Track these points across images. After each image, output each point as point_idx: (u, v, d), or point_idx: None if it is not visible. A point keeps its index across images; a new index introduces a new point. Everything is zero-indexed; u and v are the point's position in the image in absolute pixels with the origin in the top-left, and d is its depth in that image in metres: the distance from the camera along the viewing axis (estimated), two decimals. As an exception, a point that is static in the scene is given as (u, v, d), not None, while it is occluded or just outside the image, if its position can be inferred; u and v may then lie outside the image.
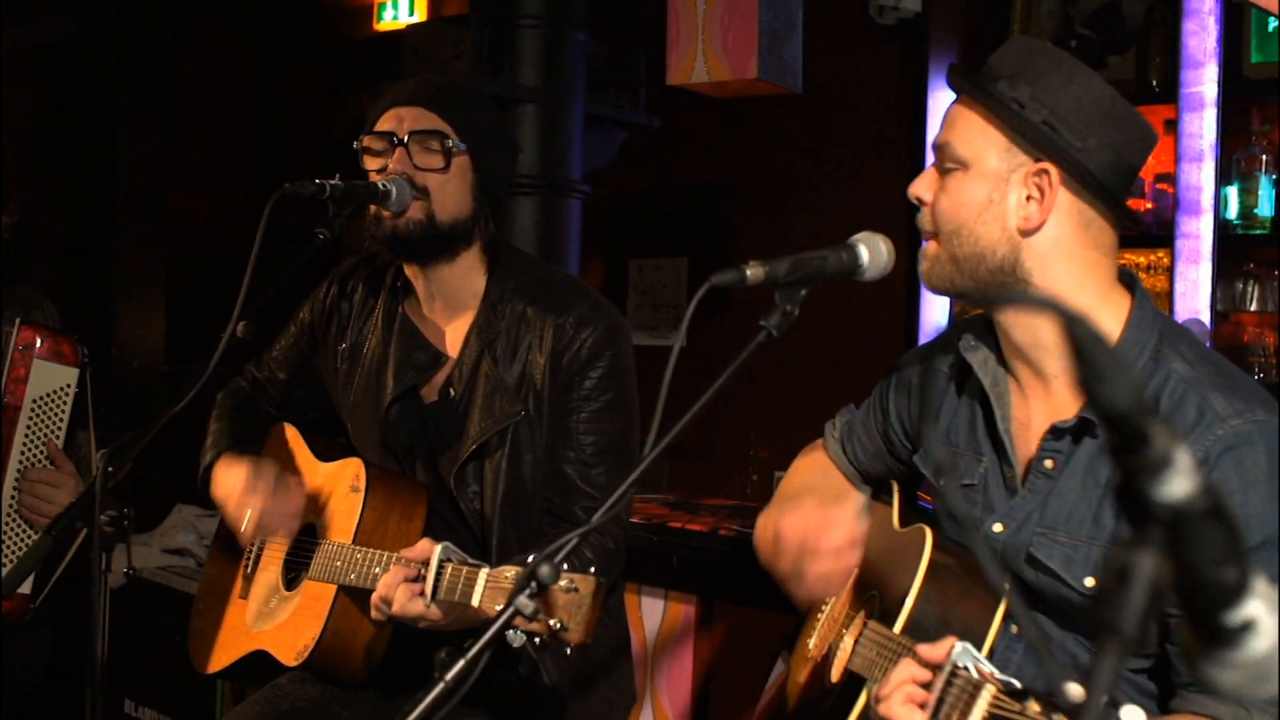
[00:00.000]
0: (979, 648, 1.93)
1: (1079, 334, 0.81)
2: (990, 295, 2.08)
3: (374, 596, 2.28)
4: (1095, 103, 1.99)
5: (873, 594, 2.20)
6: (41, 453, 3.04)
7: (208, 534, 4.18)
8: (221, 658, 2.77)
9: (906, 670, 1.80)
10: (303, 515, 2.64)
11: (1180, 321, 5.01)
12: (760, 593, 3.23)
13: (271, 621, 2.65)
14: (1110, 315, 2.05)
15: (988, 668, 1.61)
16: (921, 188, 2.11)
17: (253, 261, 2.29)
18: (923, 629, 1.99)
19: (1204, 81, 5.02)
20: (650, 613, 3.57)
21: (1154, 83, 5.28)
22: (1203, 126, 5.02)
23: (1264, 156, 5.02)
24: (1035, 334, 2.07)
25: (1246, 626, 0.95)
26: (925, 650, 1.77)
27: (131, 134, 7.60)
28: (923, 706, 1.70)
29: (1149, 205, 5.34)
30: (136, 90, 7.60)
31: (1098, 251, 2.04)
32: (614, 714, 2.73)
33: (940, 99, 5.61)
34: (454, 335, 2.69)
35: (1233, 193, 5.04)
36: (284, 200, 2.33)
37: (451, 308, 2.69)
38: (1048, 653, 2.03)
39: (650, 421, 1.85)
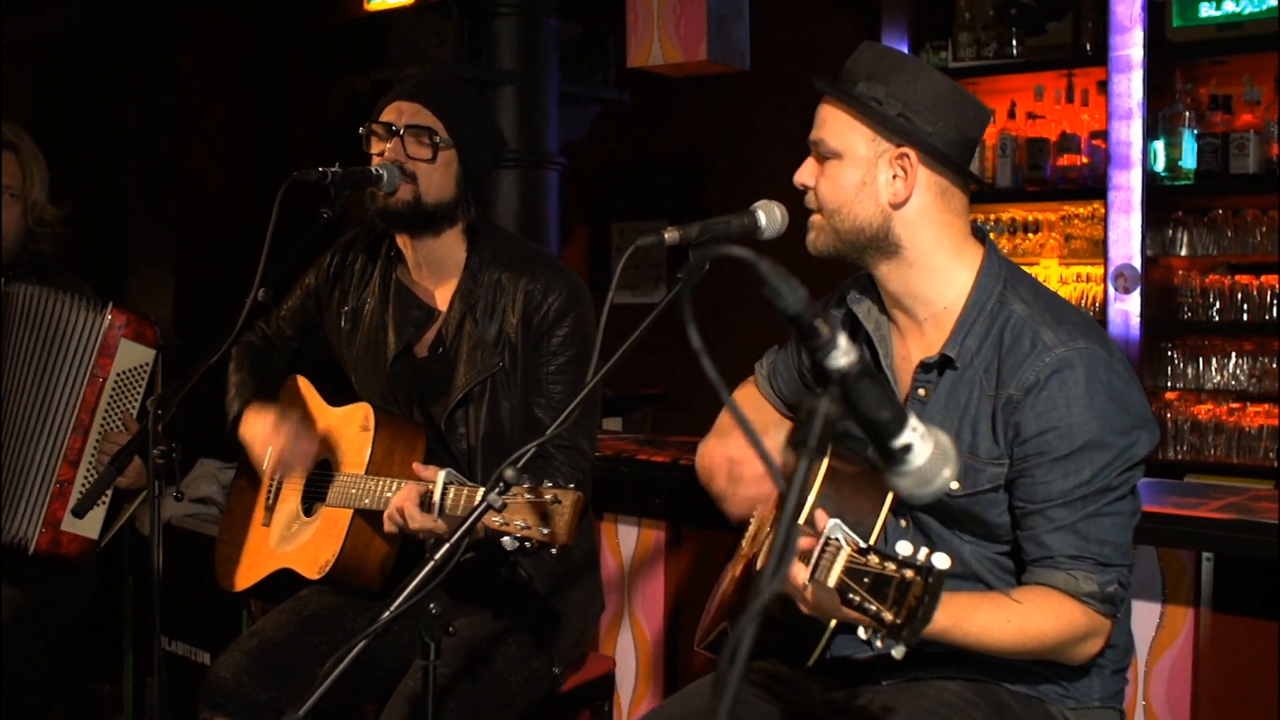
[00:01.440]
0: (868, 535, 2.38)
1: (761, 270, 1.28)
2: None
3: (389, 509, 2.73)
4: (938, 92, 2.41)
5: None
6: (118, 421, 3.52)
7: (229, 484, 4.61)
8: (248, 577, 3.22)
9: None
10: (317, 453, 3.11)
11: (1114, 266, 5.45)
12: (721, 516, 3.68)
13: (294, 543, 3.11)
14: (965, 266, 2.47)
15: (852, 536, 2.04)
16: (805, 175, 2.50)
17: (269, 237, 2.74)
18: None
19: (1131, 45, 5.42)
20: (625, 539, 4.02)
21: (1087, 47, 5.67)
22: (1131, 87, 5.43)
23: (1187, 113, 5.42)
24: (907, 285, 2.49)
25: (907, 448, 1.45)
26: (810, 527, 2.20)
27: (135, 118, 7.80)
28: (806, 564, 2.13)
29: (1085, 160, 5.74)
30: (138, 76, 7.80)
31: (952, 214, 2.46)
32: (587, 616, 3.20)
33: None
34: (440, 298, 3.13)
35: (1159, 147, 5.45)
36: (292, 186, 2.77)
37: (437, 275, 3.14)
38: None
39: (599, 363, 2.31)
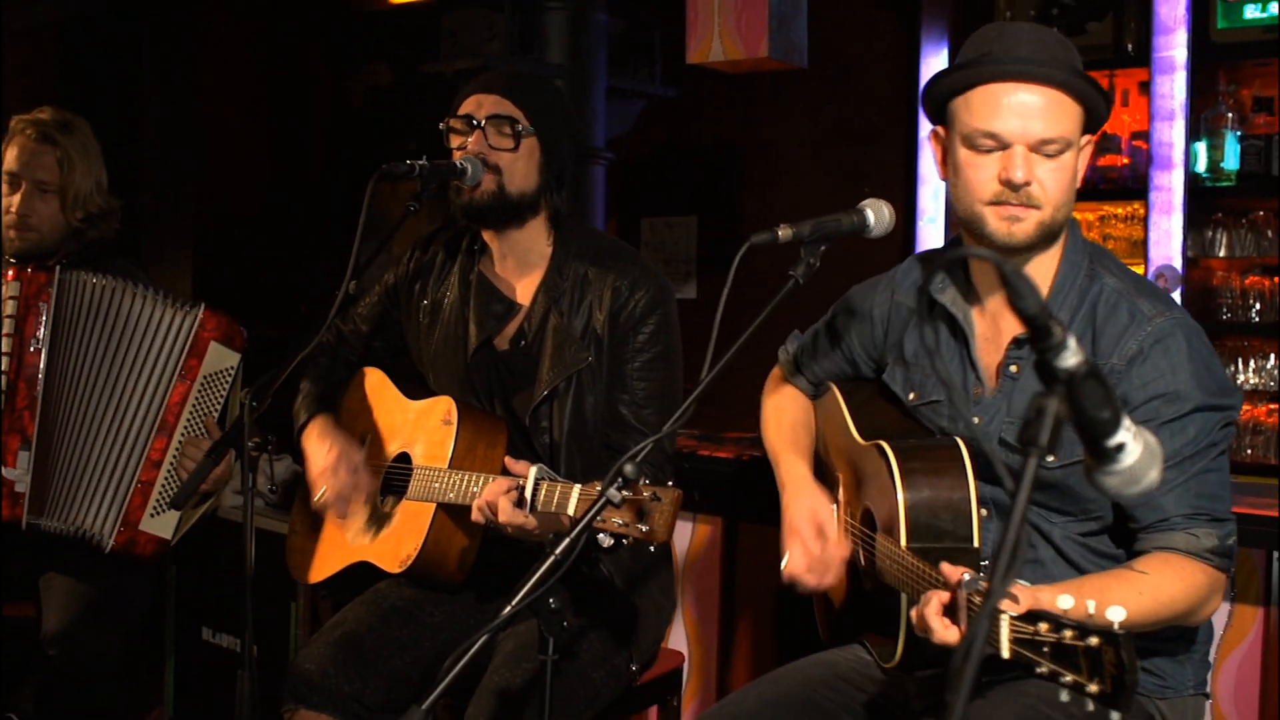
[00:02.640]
0: (969, 536, 2.40)
1: (1005, 271, 1.30)
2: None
3: (479, 502, 2.73)
4: (1073, 48, 2.44)
5: (867, 506, 2.64)
6: (200, 424, 3.52)
7: (273, 477, 4.60)
8: (322, 570, 3.23)
9: (934, 602, 2.15)
10: (396, 447, 3.13)
11: (1155, 267, 5.45)
12: (778, 512, 3.69)
13: (372, 536, 3.11)
14: (1059, 238, 2.51)
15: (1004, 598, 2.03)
16: (1027, 171, 2.39)
17: (360, 230, 2.74)
18: (921, 532, 2.40)
19: (1174, 46, 5.42)
20: (680, 534, 4.03)
21: (1129, 47, 5.67)
22: (1174, 88, 5.42)
23: (1230, 115, 5.42)
24: (1031, 269, 2.51)
25: (1119, 447, 1.46)
26: (946, 570, 2.15)
27: (155, 104, 7.80)
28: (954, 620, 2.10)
29: (1125, 161, 5.75)
30: (158, 62, 7.80)
31: None
32: (662, 613, 3.20)
33: (932, 64, 6.04)
34: (524, 291, 3.14)
35: (1201, 148, 5.45)
36: (382, 177, 2.78)
37: (521, 267, 3.14)
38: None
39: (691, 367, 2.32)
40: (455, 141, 3.07)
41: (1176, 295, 5.41)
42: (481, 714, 2.79)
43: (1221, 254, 5.55)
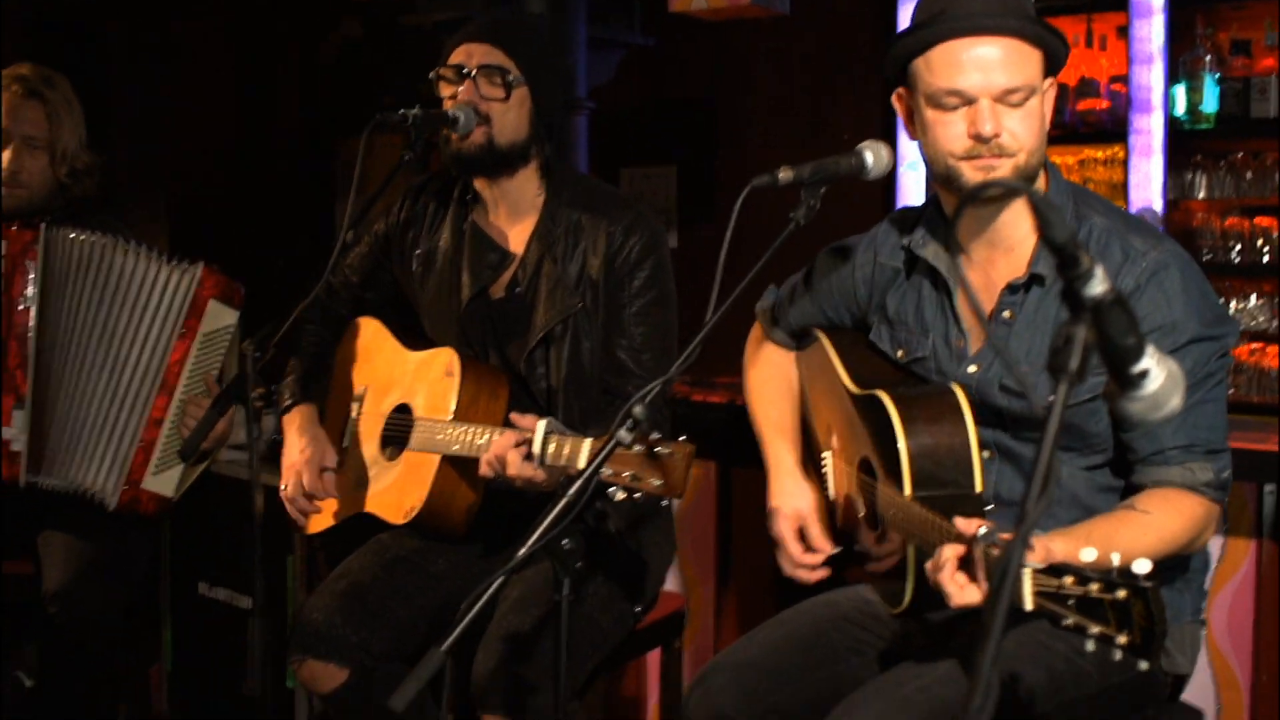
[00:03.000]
0: (971, 482, 2.43)
1: (1035, 199, 1.34)
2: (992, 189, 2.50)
3: (487, 457, 2.75)
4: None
5: (865, 456, 2.66)
6: (201, 382, 3.52)
7: (266, 430, 4.60)
8: (324, 519, 3.24)
9: (950, 555, 2.17)
10: (396, 397, 3.14)
11: (1135, 210, 5.49)
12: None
13: (374, 487, 3.13)
14: (1039, 186, 2.54)
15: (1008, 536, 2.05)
16: (994, 123, 2.40)
17: (355, 180, 2.74)
18: (925, 479, 2.42)
19: (1153, -11, 5.46)
20: (674, 480, 4.06)
21: (1108, -10, 5.72)
22: (1151, 31, 5.45)
23: (1208, 58, 5.46)
24: (1003, 217, 2.52)
25: (1144, 374, 1.50)
26: (959, 526, 2.17)
27: (125, 66, 7.77)
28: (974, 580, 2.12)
29: (1105, 105, 5.78)
30: (127, 24, 7.73)
31: None
32: (663, 557, 3.23)
33: (907, 10, 6.03)
34: (516, 239, 3.15)
35: (1180, 92, 5.49)
36: (376, 126, 2.79)
37: (514, 215, 3.15)
38: None
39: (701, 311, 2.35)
40: (446, 91, 3.07)
41: (1157, 237, 5.46)
42: (490, 659, 2.82)
43: (1201, 196, 5.61)
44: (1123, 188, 5.58)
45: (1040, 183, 2.55)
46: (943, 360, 2.62)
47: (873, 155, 2.45)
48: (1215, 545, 3.21)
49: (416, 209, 3.28)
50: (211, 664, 4.53)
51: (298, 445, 3.18)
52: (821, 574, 2.72)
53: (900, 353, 2.70)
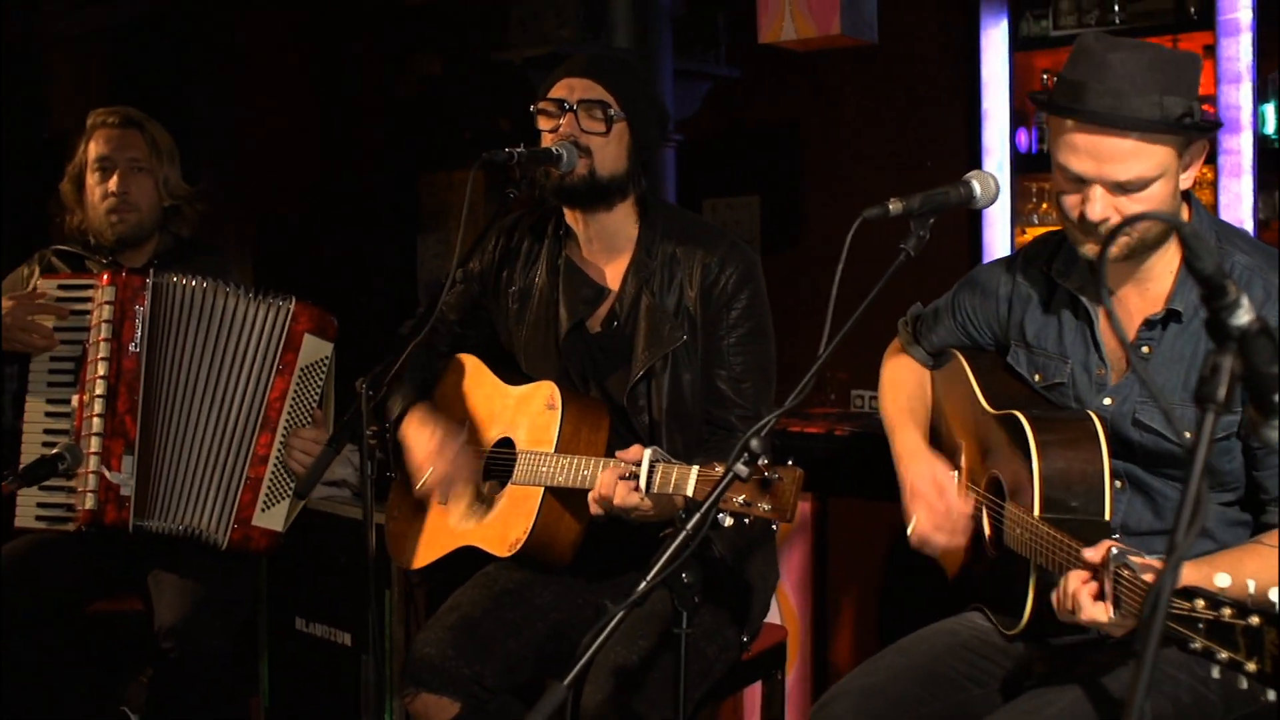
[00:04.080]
0: (1100, 509, 2.42)
1: (1184, 233, 1.34)
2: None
3: (594, 493, 2.78)
4: (1187, 65, 2.44)
5: (994, 474, 2.67)
6: (304, 414, 3.57)
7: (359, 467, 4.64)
8: (427, 555, 3.27)
9: (1077, 577, 2.21)
10: (496, 432, 3.17)
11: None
12: (869, 487, 3.71)
13: (478, 520, 3.15)
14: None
15: (1143, 561, 2.06)
16: (1106, 210, 2.44)
17: (464, 219, 2.78)
18: (1055, 503, 2.44)
19: (1239, 8, 5.39)
20: (771, 511, 4.06)
21: (1191, 10, 5.65)
22: (1239, 50, 5.40)
23: (1298, 76, 5.42)
24: (1144, 259, 2.53)
25: None
26: (1088, 554, 2.20)
27: (206, 106, 7.92)
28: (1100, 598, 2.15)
29: (1193, 125, 5.74)
30: (207, 65, 7.93)
31: None
32: (767, 585, 3.24)
33: (992, 37, 6.02)
34: (613, 274, 3.17)
35: (1269, 110, 5.43)
36: (484, 165, 2.82)
37: (609, 250, 3.18)
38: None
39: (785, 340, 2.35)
40: (546, 124, 3.11)
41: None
42: (600, 692, 2.83)
43: (1295, 216, 5.54)
44: (1213, 209, 5.53)
45: (1185, 216, 2.55)
46: (1081, 388, 2.63)
47: (980, 185, 2.46)
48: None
49: (510, 246, 3.31)
50: (308, 699, 4.58)
51: (423, 435, 3.20)
52: (960, 540, 2.69)
53: (1038, 377, 2.71)
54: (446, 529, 3.23)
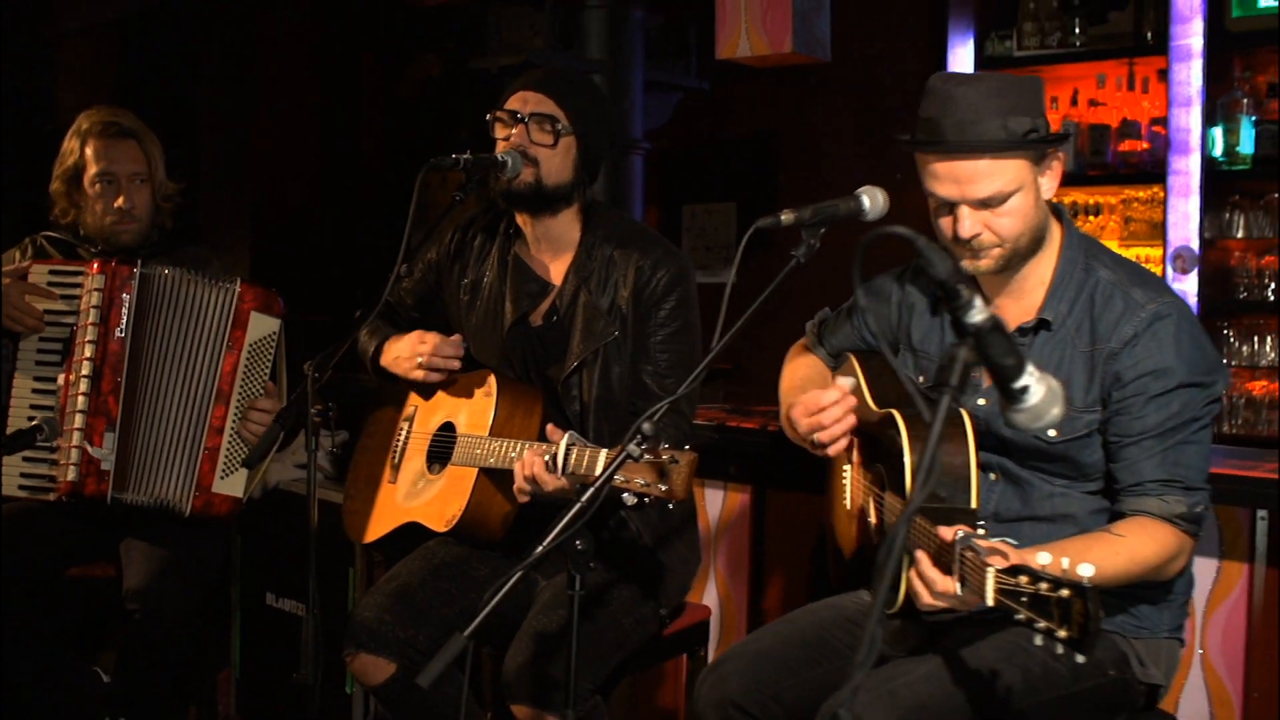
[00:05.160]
0: (968, 498, 2.66)
1: (919, 244, 1.57)
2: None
3: (518, 468, 3.02)
4: (1029, 88, 2.67)
5: (878, 467, 2.90)
6: (257, 388, 3.84)
7: (330, 449, 4.86)
8: (376, 530, 3.51)
9: (929, 558, 2.43)
10: (442, 416, 3.41)
11: (1173, 248, 5.67)
12: (803, 480, 3.94)
13: (420, 499, 3.40)
14: (1053, 238, 2.79)
15: (989, 551, 2.27)
16: (975, 227, 2.68)
17: (410, 217, 3.02)
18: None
19: (1191, 34, 5.61)
20: (712, 501, 4.31)
21: (1148, 35, 5.87)
22: (1191, 75, 5.62)
23: (1245, 100, 5.61)
24: (1016, 265, 2.77)
25: (1025, 389, 1.73)
26: (942, 533, 2.39)
27: (211, 99, 8.07)
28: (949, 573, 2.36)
29: (1145, 146, 5.95)
30: (214, 58, 8.06)
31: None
32: (688, 567, 3.48)
33: (959, 55, 6.26)
34: (556, 271, 3.42)
35: (1218, 133, 5.64)
36: (430, 169, 3.06)
37: (553, 251, 3.42)
38: None
39: (709, 341, 2.59)
40: (500, 132, 3.35)
41: (1194, 275, 5.63)
42: (520, 655, 3.08)
43: (1239, 235, 5.74)
44: (1162, 227, 5.75)
45: (1056, 236, 2.79)
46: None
47: (869, 199, 2.68)
48: (1210, 568, 3.41)
49: (465, 241, 3.56)
50: (277, 670, 4.78)
51: (399, 344, 3.47)
52: (841, 433, 2.86)
53: (921, 378, 2.95)
54: (394, 506, 3.48)
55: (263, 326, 3.86)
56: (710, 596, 4.28)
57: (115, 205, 3.96)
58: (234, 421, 3.82)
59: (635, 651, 3.31)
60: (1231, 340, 5.78)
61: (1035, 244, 2.74)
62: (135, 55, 8.64)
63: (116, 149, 3.98)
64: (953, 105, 2.65)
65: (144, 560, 3.78)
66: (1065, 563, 2.08)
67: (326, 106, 8.21)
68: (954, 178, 2.66)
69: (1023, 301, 2.80)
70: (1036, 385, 1.81)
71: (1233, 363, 5.78)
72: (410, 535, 3.45)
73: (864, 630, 2.86)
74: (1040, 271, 2.78)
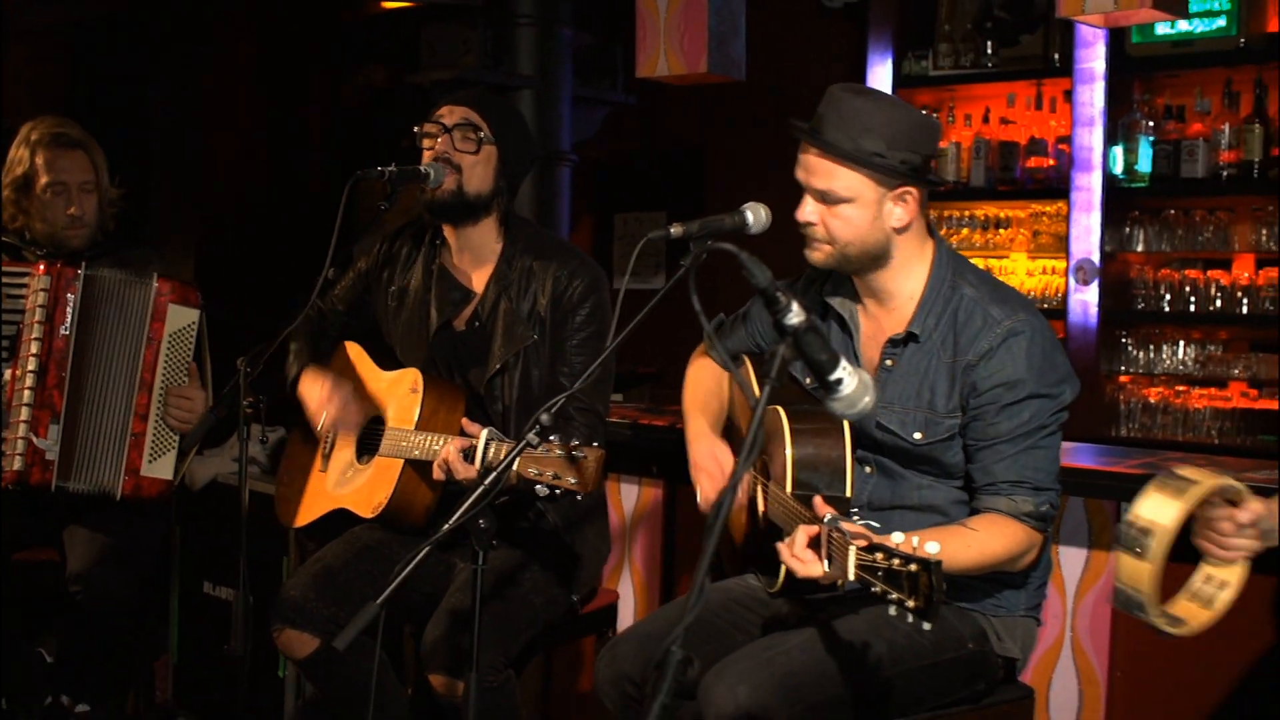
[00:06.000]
0: (843, 487, 2.93)
1: (741, 258, 1.83)
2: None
3: (438, 460, 3.26)
4: (915, 125, 2.91)
5: (763, 459, 3.16)
6: (178, 375, 4.06)
7: (269, 443, 5.09)
8: (307, 515, 3.74)
9: (801, 535, 2.68)
10: (369, 410, 3.65)
11: (1075, 260, 5.97)
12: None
13: (350, 487, 3.64)
14: (923, 260, 3.04)
15: (853, 531, 2.51)
16: (810, 214, 2.97)
17: (338, 225, 3.26)
18: (804, 484, 2.91)
19: (1095, 58, 5.93)
20: (627, 496, 4.56)
21: (1055, 58, 6.18)
22: (1094, 96, 5.94)
23: (1144, 121, 5.93)
24: (883, 282, 3.04)
25: (839, 381, 2.00)
26: (818, 508, 2.67)
27: (161, 104, 8.24)
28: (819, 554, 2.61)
29: (1051, 163, 6.26)
30: (165, 63, 8.21)
31: (921, 220, 3.02)
32: (598, 554, 3.73)
33: (878, 74, 6.56)
34: (478, 280, 3.65)
35: (1119, 152, 5.96)
36: (357, 181, 3.30)
37: (476, 259, 3.66)
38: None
39: (613, 336, 2.83)
40: (427, 143, 3.59)
41: (1095, 286, 5.93)
42: (437, 629, 3.34)
43: (1138, 249, 6.06)
44: (1065, 240, 6.06)
45: (929, 255, 3.05)
46: None
47: (753, 215, 2.91)
48: (1080, 557, 3.70)
49: (393, 251, 3.79)
50: (213, 658, 4.97)
51: (315, 388, 3.66)
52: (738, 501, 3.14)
53: (809, 380, 3.20)
54: (324, 493, 3.71)
55: (181, 318, 4.08)
56: (625, 584, 4.53)
57: (67, 213, 4.16)
58: (158, 408, 4.04)
59: (546, 630, 3.56)
60: (1129, 349, 6.08)
61: (869, 259, 3.00)
62: (86, 60, 8.75)
63: (66, 159, 4.18)
64: (835, 108, 2.92)
65: (86, 545, 4.00)
66: (915, 541, 2.35)
67: (274, 113, 8.36)
68: (805, 165, 2.96)
69: (894, 315, 3.07)
70: (849, 378, 2.08)
71: (1130, 370, 6.09)
72: (339, 521, 3.68)
73: (748, 610, 3.16)
74: (911, 288, 3.04)
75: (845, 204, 2.94)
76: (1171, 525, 2.54)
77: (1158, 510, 2.55)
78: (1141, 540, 2.54)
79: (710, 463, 3.19)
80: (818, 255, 3.01)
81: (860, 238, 2.97)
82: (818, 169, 2.94)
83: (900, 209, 2.96)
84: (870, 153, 2.89)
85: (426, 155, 3.57)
